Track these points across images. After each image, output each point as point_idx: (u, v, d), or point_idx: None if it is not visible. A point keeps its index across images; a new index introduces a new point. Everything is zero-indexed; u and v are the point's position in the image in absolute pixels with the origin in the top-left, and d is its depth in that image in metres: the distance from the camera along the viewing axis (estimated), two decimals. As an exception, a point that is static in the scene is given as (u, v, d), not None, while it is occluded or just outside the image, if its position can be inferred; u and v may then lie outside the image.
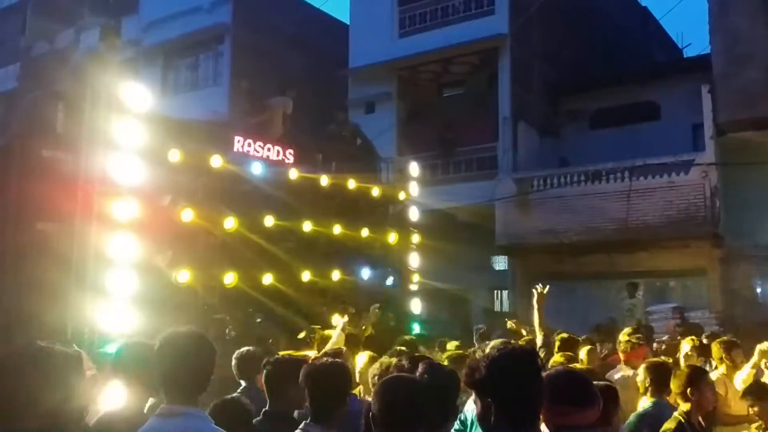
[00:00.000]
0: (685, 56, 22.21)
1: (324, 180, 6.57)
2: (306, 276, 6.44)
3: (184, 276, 5.66)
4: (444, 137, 16.97)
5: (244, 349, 4.46)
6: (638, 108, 16.55)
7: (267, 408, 3.33)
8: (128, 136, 5.36)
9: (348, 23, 18.78)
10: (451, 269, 16.54)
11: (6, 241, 5.62)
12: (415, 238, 7.34)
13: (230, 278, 5.80)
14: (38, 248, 5.52)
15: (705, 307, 13.33)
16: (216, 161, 5.92)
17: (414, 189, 7.47)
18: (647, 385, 4.35)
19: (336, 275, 6.67)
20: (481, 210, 15.40)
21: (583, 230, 14.86)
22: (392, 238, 7.15)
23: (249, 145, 6.32)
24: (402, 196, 7.41)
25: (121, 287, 5.38)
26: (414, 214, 7.42)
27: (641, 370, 4.49)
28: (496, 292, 17.89)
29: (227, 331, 5.72)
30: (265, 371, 3.42)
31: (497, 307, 17.52)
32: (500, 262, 17.58)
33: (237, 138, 6.28)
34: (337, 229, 6.57)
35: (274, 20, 18.63)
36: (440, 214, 15.07)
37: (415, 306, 6.97)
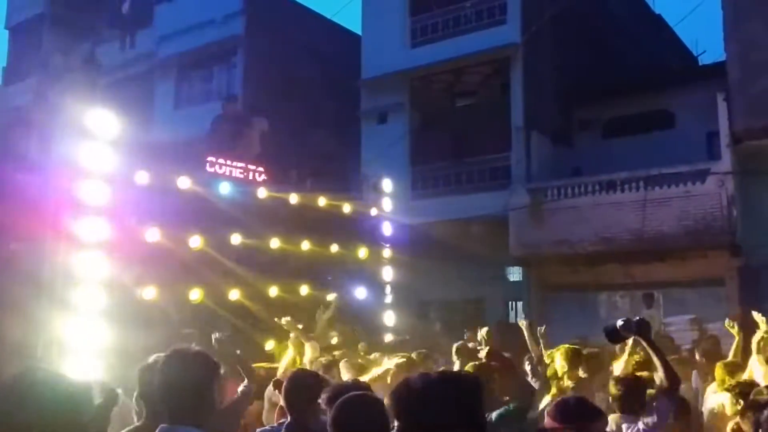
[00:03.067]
0: (699, 64, 21.71)
1: (293, 198, 6.71)
2: (274, 291, 6.59)
3: (150, 293, 5.86)
4: (456, 147, 16.94)
5: None
6: (652, 116, 16.24)
7: (289, 420, 3.49)
8: (97, 159, 5.56)
9: (360, 34, 18.79)
10: (464, 280, 16.50)
11: (-18, 261, 5.89)
12: (387, 252, 7.46)
13: (196, 294, 5.98)
14: (11, 267, 5.77)
15: (723, 318, 13.02)
16: (184, 182, 6.11)
17: (387, 204, 7.57)
18: None
19: (304, 290, 6.81)
20: (495, 220, 15.29)
21: (598, 240, 14.67)
22: (362, 253, 7.27)
23: (220, 166, 6.50)
24: (374, 211, 7.52)
25: (89, 304, 5.56)
26: (387, 229, 7.54)
27: None
28: (510, 303, 17.72)
29: (192, 345, 5.83)
30: (284, 387, 3.61)
31: (512, 319, 17.35)
32: (514, 273, 17.42)
33: (209, 158, 6.47)
34: (305, 245, 6.70)
35: (286, 32, 18.75)
36: (453, 225, 15.05)
37: (389, 318, 7.06)
